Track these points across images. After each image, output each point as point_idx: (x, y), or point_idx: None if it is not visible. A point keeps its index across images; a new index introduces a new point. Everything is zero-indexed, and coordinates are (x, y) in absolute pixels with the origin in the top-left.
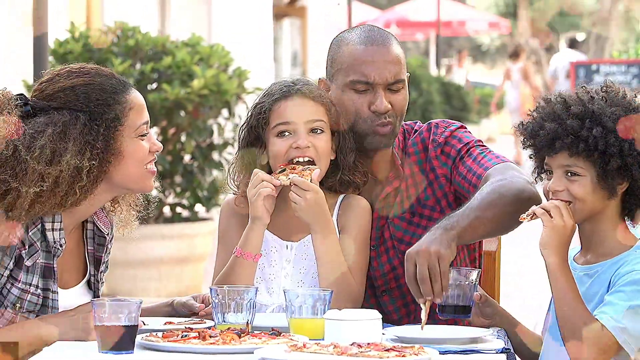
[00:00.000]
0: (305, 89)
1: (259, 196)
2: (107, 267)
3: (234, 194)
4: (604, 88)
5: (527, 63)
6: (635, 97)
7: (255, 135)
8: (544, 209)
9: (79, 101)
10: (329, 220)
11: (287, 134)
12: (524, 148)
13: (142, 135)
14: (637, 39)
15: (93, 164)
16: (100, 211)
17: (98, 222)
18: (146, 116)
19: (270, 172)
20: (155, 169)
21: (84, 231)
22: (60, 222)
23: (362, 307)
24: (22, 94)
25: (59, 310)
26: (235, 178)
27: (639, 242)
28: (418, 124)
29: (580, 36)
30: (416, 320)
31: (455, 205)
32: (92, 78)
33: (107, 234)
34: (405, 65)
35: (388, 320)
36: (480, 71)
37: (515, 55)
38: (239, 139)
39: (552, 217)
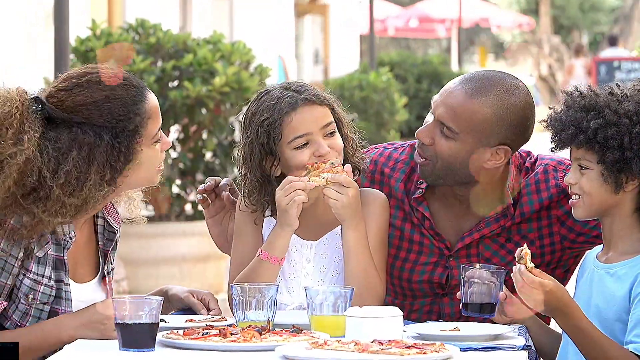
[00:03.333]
0: (312, 95)
1: (293, 204)
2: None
3: (253, 211)
4: (618, 84)
5: (587, 60)
6: None
7: (268, 150)
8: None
9: (102, 117)
10: (362, 215)
11: (305, 144)
12: (550, 142)
13: (156, 141)
14: None
15: (112, 188)
16: (111, 206)
17: (108, 217)
18: (160, 120)
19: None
20: (163, 166)
21: (95, 226)
22: None
23: (418, 303)
24: (37, 97)
25: (72, 303)
26: (249, 196)
27: None
28: (530, 156)
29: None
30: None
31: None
32: (113, 91)
33: (117, 230)
34: (474, 126)
35: (441, 320)
36: (502, 68)
37: (577, 51)
38: (246, 158)
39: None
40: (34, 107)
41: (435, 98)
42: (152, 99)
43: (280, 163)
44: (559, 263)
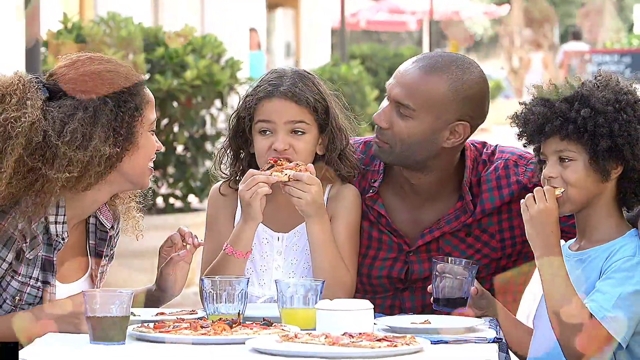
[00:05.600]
0: (290, 91)
1: (256, 196)
2: (112, 257)
3: (220, 178)
4: (596, 75)
5: (546, 53)
6: (631, 86)
7: (243, 126)
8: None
9: (105, 86)
10: (326, 211)
11: (267, 132)
12: (518, 139)
13: (152, 131)
14: (630, 28)
15: (117, 151)
16: (104, 205)
17: (101, 216)
18: (155, 113)
19: (256, 163)
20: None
21: (86, 225)
22: (64, 215)
23: (379, 298)
24: (37, 76)
25: None
26: (224, 162)
27: (632, 230)
28: (487, 147)
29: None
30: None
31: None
32: (115, 66)
33: (110, 229)
34: (432, 102)
35: (402, 314)
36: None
37: (537, 45)
38: (229, 125)
39: (527, 209)
40: (35, 82)
41: (390, 81)
42: (149, 90)
43: (252, 143)
44: (520, 255)
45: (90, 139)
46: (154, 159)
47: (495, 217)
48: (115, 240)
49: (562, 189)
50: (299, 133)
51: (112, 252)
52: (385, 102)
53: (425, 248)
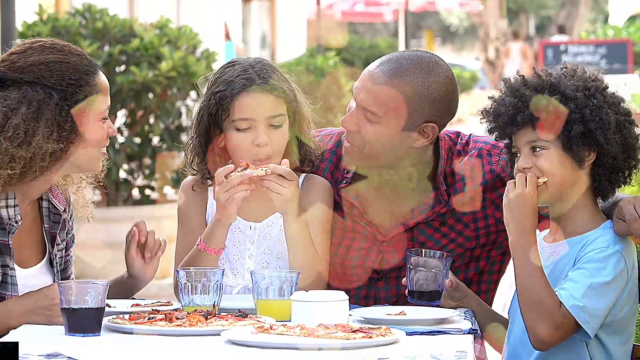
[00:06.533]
0: (266, 82)
1: (232, 201)
2: (72, 242)
3: (192, 174)
4: (562, 67)
5: (524, 44)
6: (598, 74)
7: (215, 121)
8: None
9: (53, 78)
10: (300, 208)
11: (247, 128)
12: (489, 132)
13: (103, 119)
14: (605, 19)
15: (60, 146)
16: (55, 188)
17: (53, 199)
18: (109, 101)
19: (227, 156)
20: (106, 152)
21: (40, 209)
22: (14, 198)
23: (354, 288)
24: None
25: (18, 287)
26: (194, 161)
27: (607, 221)
28: (461, 137)
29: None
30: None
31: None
32: (65, 56)
33: (63, 211)
34: (396, 107)
35: (377, 304)
36: (449, 52)
37: (515, 35)
38: (196, 121)
39: (507, 194)
40: None
41: (356, 84)
42: (103, 77)
43: (225, 139)
44: (494, 245)
45: (33, 135)
46: (106, 145)
47: (470, 222)
48: (71, 223)
49: (546, 178)
50: (277, 126)
51: (69, 236)
52: (353, 103)
53: (400, 238)
